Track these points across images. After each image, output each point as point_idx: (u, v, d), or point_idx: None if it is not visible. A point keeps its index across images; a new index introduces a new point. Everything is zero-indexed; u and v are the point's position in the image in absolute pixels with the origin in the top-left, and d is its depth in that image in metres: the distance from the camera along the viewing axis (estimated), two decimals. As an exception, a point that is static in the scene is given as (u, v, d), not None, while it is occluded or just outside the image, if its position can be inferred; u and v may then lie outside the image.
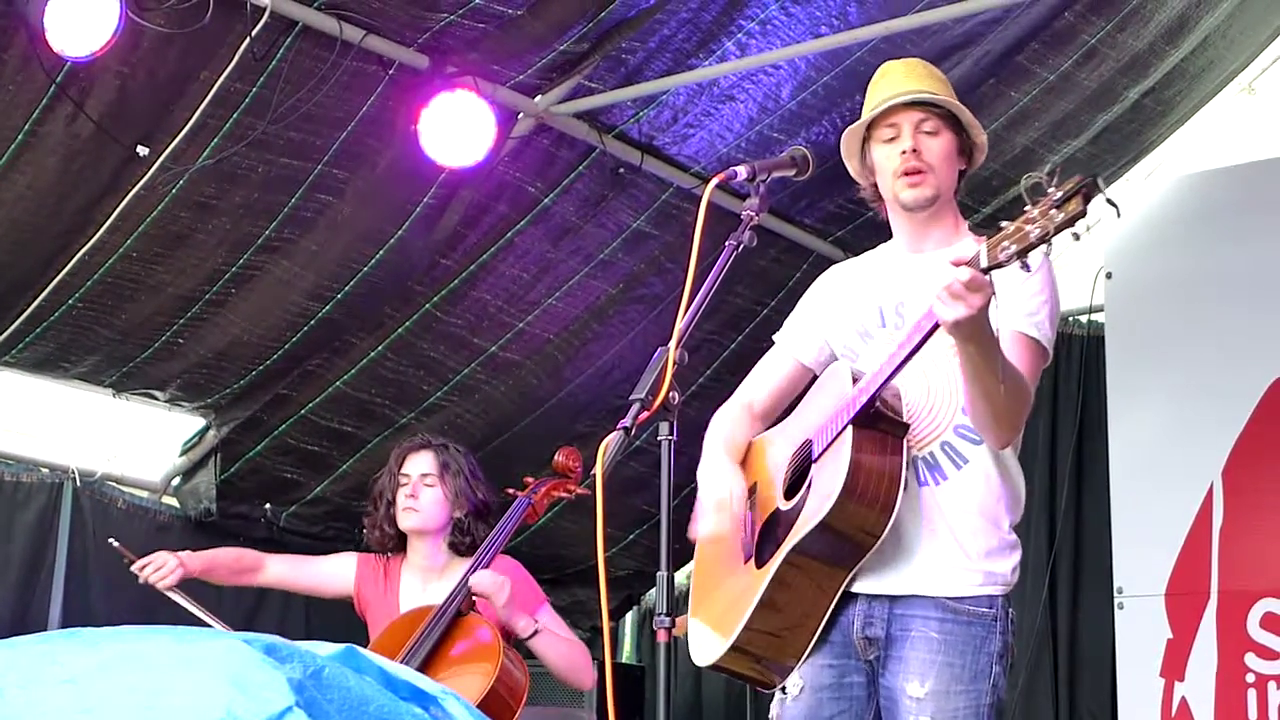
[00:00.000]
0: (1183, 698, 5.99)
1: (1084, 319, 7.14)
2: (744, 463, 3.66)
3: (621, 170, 6.20)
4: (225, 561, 5.06)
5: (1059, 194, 2.92)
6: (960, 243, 3.46)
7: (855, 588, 3.44)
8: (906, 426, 3.40)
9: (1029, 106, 6.33)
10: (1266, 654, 5.89)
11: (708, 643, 3.52)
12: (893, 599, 3.45)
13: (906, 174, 3.52)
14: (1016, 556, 3.51)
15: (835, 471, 3.33)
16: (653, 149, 6.22)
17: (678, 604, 3.12)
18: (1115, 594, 6.21)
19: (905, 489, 3.36)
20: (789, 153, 3.52)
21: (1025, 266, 3.00)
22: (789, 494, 3.50)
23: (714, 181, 3.29)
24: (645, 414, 3.05)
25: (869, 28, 5.58)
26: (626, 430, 3.04)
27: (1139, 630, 6.12)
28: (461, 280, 6.30)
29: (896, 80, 3.60)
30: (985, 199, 6.62)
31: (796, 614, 3.43)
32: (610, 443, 3.03)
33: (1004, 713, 3.50)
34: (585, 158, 6.16)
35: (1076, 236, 2.96)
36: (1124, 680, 6.19)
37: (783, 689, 3.53)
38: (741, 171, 3.39)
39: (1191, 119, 6.97)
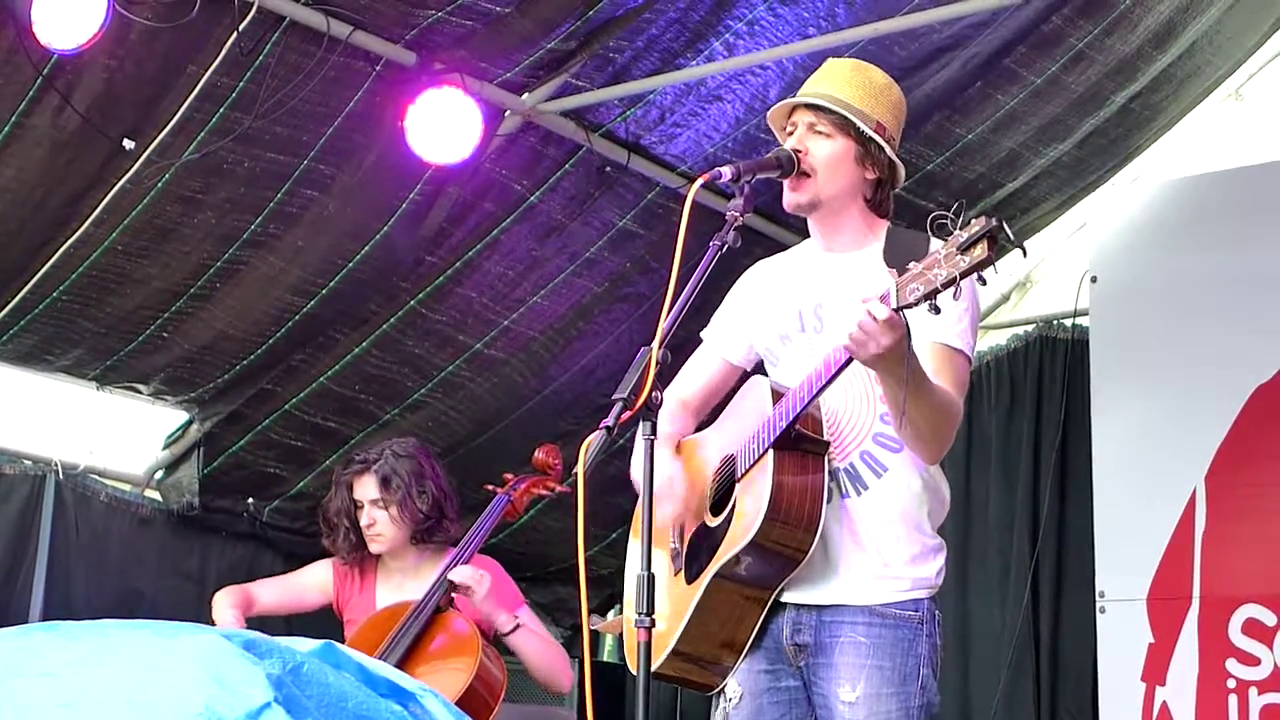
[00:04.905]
0: (1164, 703, 6.00)
1: (1068, 323, 7.15)
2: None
3: (608, 169, 6.20)
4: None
5: (963, 237, 2.95)
6: (870, 248, 3.49)
7: (784, 598, 3.49)
8: (827, 444, 3.45)
9: (1016, 110, 6.33)
10: (1248, 660, 5.90)
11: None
12: (820, 608, 3.48)
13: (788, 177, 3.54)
14: (941, 558, 3.55)
15: (758, 495, 3.37)
16: (639, 148, 6.21)
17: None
18: (1097, 598, 6.22)
19: (829, 503, 3.40)
20: (774, 153, 3.55)
21: (935, 309, 3.01)
22: (715, 509, 3.55)
23: (698, 182, 3.30)
24: (627, 414, 3.07)
25: (857, 29, 5.58)
26: (609, 430, 3.05)
27: (1121, 635, 6.13)
28: (447, 277, 6.29)
29: (815, 80, 3.64)
30: (971, 203, 6.61)
31: (728, 627, 3.49)
32: (592, 442, 3.05)
33: (937, 717, 3.51)
34: (572, 156, 6.15)
35: (984, 281, 2.97)
36: (1105, 684, 6.20)
37: (725, 697, 3.57)
38: (726, 172, 3.40)
39: (1178, 124, 6.98)
